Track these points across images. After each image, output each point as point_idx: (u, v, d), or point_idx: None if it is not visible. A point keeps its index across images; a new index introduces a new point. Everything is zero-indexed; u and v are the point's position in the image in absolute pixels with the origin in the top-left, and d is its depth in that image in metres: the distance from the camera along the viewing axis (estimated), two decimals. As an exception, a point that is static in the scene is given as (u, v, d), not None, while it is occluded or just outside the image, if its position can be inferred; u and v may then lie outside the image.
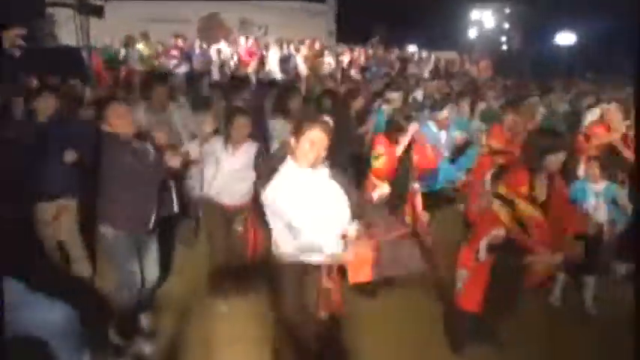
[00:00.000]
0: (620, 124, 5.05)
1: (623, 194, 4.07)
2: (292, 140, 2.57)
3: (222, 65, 10.95)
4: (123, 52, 10.54)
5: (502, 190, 3.03)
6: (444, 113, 5.07)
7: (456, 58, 16.36)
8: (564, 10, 20.54)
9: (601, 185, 4.03)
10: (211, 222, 3.99)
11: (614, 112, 5.19)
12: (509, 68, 16.99)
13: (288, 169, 2.59)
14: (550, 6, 21.68)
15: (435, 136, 5.03)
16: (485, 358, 3.44)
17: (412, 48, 17.90)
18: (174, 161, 3.25)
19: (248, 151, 3.84)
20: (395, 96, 5.65)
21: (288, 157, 2.60)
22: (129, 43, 10.67)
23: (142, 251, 3.36)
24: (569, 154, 3.59)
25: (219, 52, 11.71)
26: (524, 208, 2.89)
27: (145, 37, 11.02)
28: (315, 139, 2.52)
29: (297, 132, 2.56)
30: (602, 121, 5.30)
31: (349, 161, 4.85)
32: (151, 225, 3.28)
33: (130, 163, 3.08)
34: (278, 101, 5.03)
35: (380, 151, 4.06)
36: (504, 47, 23.77)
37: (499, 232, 2.95)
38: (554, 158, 2.88)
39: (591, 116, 5.92)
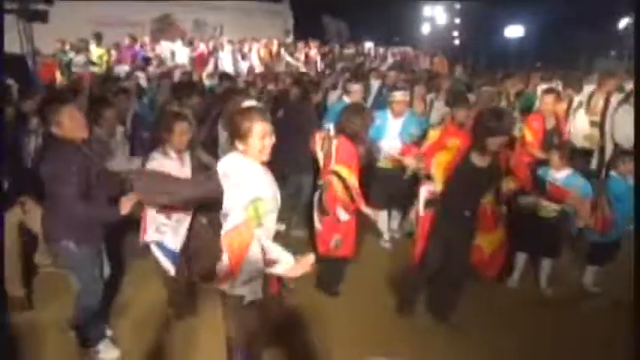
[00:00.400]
0: (552, 112, 5.14)
1: (582, 183, 4.12)
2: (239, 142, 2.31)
3: (176, 68, 10.61)
4: (74, 56, 10.04)
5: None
6: (399, 95, 4.93)
7: (411, 53, 16.67)
8: (512, 4, 21.32)
9: (562, 174, 4.10)
10: None
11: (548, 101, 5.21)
12: (462, 61, 17.47)
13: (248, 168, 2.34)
14: (498, 1, 22.46)
15: (387, 125, 4.91)
16: (443, 342, 3.54)
17: (368, 44, 18.14)
18: (125, 207, 2.93)
19: (187, 158, 3.56)
20: (356, 87, 5.51)
21: (241, 156, 2.33)
22: (81, 46, 10.19)
23: (101, 255, 3.27)
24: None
25: (172, 53, 11.39)
26: None
27: (99, 38, 10.51)
28: (266, 129, 2.29)
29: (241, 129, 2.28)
30: (538, 111, 5.41)
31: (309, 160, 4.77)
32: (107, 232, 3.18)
33: (87, 168, 2.92)
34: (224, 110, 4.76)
35: None
36: (457, 42, 24.45)
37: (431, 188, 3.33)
38: (495, 140, 3.00)
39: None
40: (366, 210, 3.74)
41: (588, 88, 6.09)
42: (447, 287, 3.65)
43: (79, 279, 3.19)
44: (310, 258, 2.26)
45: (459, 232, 3.34)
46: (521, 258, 4.38)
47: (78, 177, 2.86)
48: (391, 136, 4.86)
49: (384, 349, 3.20)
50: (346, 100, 5.43)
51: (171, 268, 3.28)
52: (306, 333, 3.60)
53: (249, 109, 2.34)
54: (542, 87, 6.75)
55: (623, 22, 17.37)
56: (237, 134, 2.28)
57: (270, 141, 2.32)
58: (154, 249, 3.29)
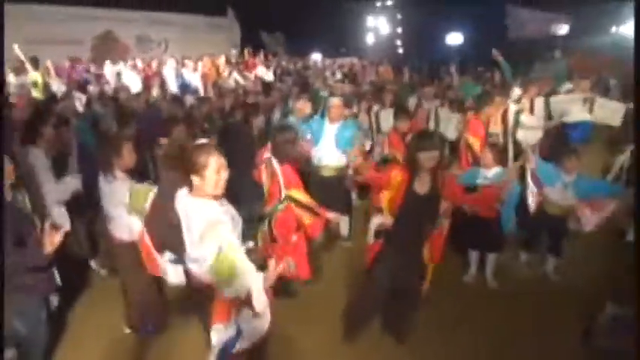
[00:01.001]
0: (495, 117, 5.41)
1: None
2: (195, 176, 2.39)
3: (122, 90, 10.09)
4: (12, 78, 9.32)
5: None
6: (335, 100, 5.04)
7: (356, 64, 17.08)
8: (451, 12, 22.28)
9: (492, 171, 4.35)
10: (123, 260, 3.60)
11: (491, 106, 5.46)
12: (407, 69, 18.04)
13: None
14: (437, 10, 23.39)
15: (323, 130, 5.01)
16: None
17: (315, 56, 18.47)
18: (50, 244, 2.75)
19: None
20: (300, 105, 5.57)
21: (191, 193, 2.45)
22: (19, 67, 9.29)
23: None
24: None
25: (118, 75, 11.00)
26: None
27: (35, 62, 9.71)
28: (221, 162, 2.41)
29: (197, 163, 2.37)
30: (477, 116, 5.61)
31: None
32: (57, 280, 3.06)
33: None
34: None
35: None
36: (400, 50, 25.22)
37: (380, 221, 3.41)
38: (427, 155, 3.15)
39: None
40: (330, 215, 3.83)
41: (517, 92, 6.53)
42: (399, 314, 3.72)
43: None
44: (272, 263, 2.42)
45: (409, 260, 3.42)
46: (473, 254, 4.65)
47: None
48: (327, 141, 4.96)
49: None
50: (292, 119, 5.48)
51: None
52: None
53: (205, 144, 2.48)
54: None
55: (560, 27, 18.42)
56: (193, 168, 2.37)
57: (225, 174, 2.43)
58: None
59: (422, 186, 3.28)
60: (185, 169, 2.41)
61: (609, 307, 3.57)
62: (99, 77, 10.78)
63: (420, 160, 3.16)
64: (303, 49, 18.82)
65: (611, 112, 5.94)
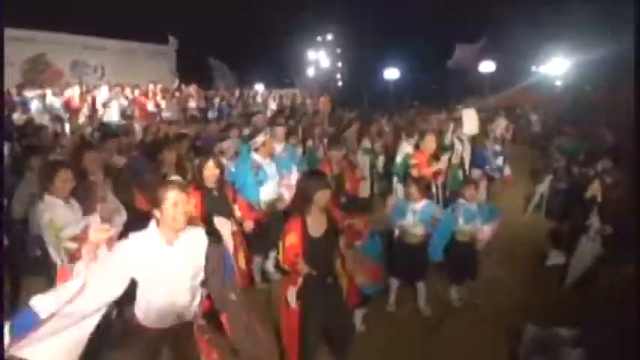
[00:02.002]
0: (434, 149, 5.81)
1: (438, 210, 4.73)
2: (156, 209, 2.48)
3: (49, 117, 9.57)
4: None
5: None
6: (260, 138, 5.07)
7: (298, 95, 17.41)
8: (386, 48, 23.37)
9: (420, 204, 4.53)
10: None
11: (428, 140, 5.85)
12: (346, 102, 18.63)
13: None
14: (375, 45, 24.49)
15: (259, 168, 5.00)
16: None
17: (257, 87, 18.62)
18: None
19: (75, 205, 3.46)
20: (226, 145, 5.51)
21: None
22: None
23: None
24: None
25: (43, 99, 10.42)
26: None
27: None
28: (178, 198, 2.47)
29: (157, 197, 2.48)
30: (419, 149, 5.96)
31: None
32: None
33: None
34: None
35: None
36: (339, 83, 26.00)
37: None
38: (322, 194, 3.20)
39: (407, 144, 6.71)
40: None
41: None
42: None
43: None
44: None
45: (329, 299, 3.36)
46: (394, 282, 4.63)
47: None
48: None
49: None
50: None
51: None
52: None
53: (169, 181, 2.62)
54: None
55: (484, 66, 19.72)
56: (153, 202, 2.47)
57: (182, 209, 2.46)
58: None
59: (316, 230, 3.28)
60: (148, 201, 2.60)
61: (529, 329, 3.76)
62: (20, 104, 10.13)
63: (317, 199, 3.19)
64: (246, 80, 18.93)
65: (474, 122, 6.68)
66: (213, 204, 4.03)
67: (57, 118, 8.98)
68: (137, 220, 3.28)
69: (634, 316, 2.82)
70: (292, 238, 3.24)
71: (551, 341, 3.48)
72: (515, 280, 5.31)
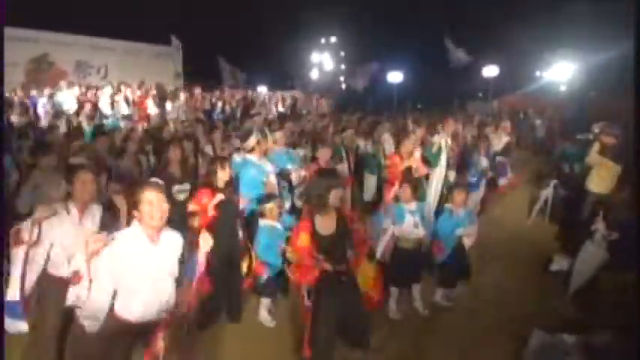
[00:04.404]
0: (411, 151, 5.76)
1: (427, 208, 4.75)
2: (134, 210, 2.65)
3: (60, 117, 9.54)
4: None
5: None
6: (252, 140, 5.06)
7: (300, 97, 17.39)
8: (390, 52, 23.37)
9: (413, 204, 4.57)
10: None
11: (406, 142, 5.87)
12: (349, 104, 18.63)
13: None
14: (379, 49, 24.50)
15: (257, 168, 5.00)
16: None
17: (260, 89, 18.63)
18: None
19: (95, 214, 3.35)
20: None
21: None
22: None
23: None
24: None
25: (52, 100, 10.39)
26: None
27: None
28: (153, 198, 2.62)
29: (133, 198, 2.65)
30: (397, 151, 5.97)
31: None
32: None
33: None
34: None
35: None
36: (343, 86, 25.99)
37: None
38: (335, 193, 3.30)
39: (388, 146, 6.68)
40: None
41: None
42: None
43: None
44: None
45: (345, 296, 3.41)
46: (394, 291, 4.59)
47: None
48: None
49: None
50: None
51: None
52: None
53: (145, 181, 2.73)
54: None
55: (487, 70, 19.68)
56: (132, 204, 2.65)
57: (159, 207, 2.62)
58: None
59: (325, 229, 3.35)
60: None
61: (536, 334, 3.73)
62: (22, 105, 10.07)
63: (330, 197, 3.27)
64: (250, 82, 18.92)
65: None
66: (222, 206, 4.02)
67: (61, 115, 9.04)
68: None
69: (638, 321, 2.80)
70: (303, 239, 3.31)
71: (557, 347, 3.44)
72: (519, 285, 5.27)
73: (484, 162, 7.00)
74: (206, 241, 2.80)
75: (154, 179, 2.79)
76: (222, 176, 4.09)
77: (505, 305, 4.77)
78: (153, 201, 2.61)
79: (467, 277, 4.82)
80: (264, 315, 4.35)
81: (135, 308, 2.63)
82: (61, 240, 3.12)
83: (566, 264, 5.29)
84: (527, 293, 5.08)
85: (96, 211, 3.35)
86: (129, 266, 2.57)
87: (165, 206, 2.67)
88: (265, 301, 4.37)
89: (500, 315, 4.54)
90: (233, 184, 4.33)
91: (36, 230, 2.98)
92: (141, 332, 2.68)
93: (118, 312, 2.63)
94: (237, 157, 5.23)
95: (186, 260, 2.79)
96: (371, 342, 3.65)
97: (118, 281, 2.57)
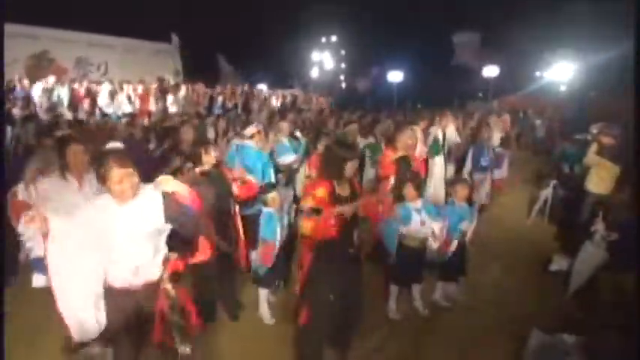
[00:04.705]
0: (406, 146, 5.56)
1: (432, 206, 4.64)
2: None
3: (53, 108, 9.65)
4: None
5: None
6: (252, 128, 5.13)
7: (300, 95, 17.39)
8: (391, 51, 23.37)
9: (418, 202, 4.50)
10: None
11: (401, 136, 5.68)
12: (348, 103, 18.64)
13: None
14: (379, 49, 24.50)
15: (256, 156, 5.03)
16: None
17: (261, 86, 18.62)
18: None
19: (92, 182, 3.61)
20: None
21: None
22: None
23: None
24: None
25: (49, 92, 10.43)
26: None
27: None
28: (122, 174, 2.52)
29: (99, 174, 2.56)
30: (391, 145, 5.77)
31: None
32: None
33: None
34: None
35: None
36: (343, 85, 26.00)
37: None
38: (351, 164, 3.35)
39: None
40: None
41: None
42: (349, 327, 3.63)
43: None
44: None
45: (349, 271, 3.42)
46: (394, 289, 4.57)
47: None
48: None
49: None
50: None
51: None
52: None
53: (108, 154, 2.59)
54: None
55: (487, 70, 19.69)
56: (100, 179, 2.54)
57: (128, 183, 2.51)
58: None
59: (343, 189, 3.40)
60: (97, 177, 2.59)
61: (535, 334, 3.72)
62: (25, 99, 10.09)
63: (346, 169, 3.32)
64: (250, 80, 18.90)
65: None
66: (212, 184, 3.89)
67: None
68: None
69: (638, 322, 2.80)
70: (321, 192, 3.31)
71: (557, 347, 3.44)
72: (518, 285, 5.27)
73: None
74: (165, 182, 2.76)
75: (115, 146, 2.78)
76: (208, 160, 4.07)
77: (505, 305, 4.76)
78: (122, 178, 2.50)
79: (465, 274, 4.83)
80: (264, 309, 4.36)
81: (114, 272, 2.61)
82: (66, 207, 3.23)
83: (565, 264, 5.29)
84: (526, 293, 5.07)
85: (93, 180, 3.58)
86: (100, 229, 2.52)
87: (135, 180, 2.55)
88: (264, 293, 4.38)
89: (499, 315, 4.54)
90: (222, 168, 4.29)
91: (33, 192, 3.45)
92: (128, 299, 2.64)
93: (107, 280, 2.63)
94: (235, 143, 5.27)
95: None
96: (352, 342, 3.65)
97: (96, 248, 2.53)
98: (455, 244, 4.62)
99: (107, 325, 2.61)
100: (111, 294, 2.63)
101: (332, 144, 3.66)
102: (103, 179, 2.52)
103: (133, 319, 2.67)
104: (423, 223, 4.43)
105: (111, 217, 2.54)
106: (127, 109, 11.02)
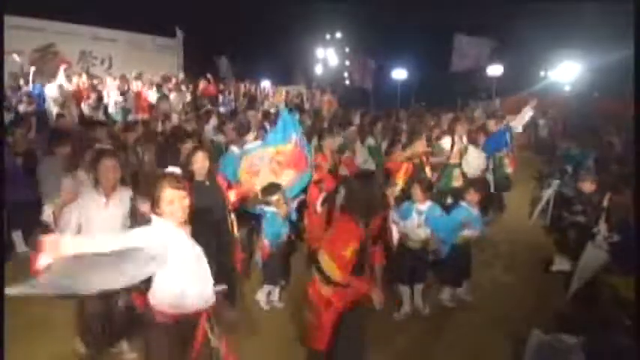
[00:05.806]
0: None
1: (441, 212, 4.64)
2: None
3: (63, 105, 9.56)
4: None
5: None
6: (252, 135, 5.25)
7: (303, 92, 17.34)
8: (395, 49, 23.33)
9: (425, 205, 4.51)
10: None
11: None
12: (352, 101, 18.60)
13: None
14: (385, 47, 24.45)
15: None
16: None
17: (264, 83, 18.58)
18: None
19: (123, 199, 3.42)
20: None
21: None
22: None
23: None
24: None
25: (60, 88, 10.39)
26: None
27: None
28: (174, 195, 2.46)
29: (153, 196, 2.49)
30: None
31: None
32: None
33: None
34: None
35: None
36: (347, 82, 25.88)
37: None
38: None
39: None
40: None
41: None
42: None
43: None
44: None
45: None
46: (405, 291, 4.57)
47: None
48: None
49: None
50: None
51: None
52: None
53: (163, 176, 2.53)
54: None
55: (491, 69, 19.61)
56: (152, 200, 2.47)
57: (179, 204, 2.44)
58: None
59: None
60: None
61: (535, 334, 3.74)
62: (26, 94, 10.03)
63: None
64: (253, 77, 18.87)
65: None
66: (204, 195, 3.72)
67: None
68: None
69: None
70: (350, 250, 2.95)
71: (557, 347, 3.46)
72: (520, 285, 5.30)
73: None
74: None
75: (173, 171, 2.71)
76: (199, 166, 3.87)
77: (505, 305, 4.80)
78: (174, 199, 2.44)
79: (469, 277, 4.85)
80: (261, 295, 4.45)
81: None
82: (87, 225, 3.24)
83: (567, 264, 5.31)
84: (527, 293, 5.10)
85: (125, 196, 3.43)
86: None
87: (186, 202, 2.48)
88: (267, 288, 4.44)
89: (500, 315, 4.57)
90: (213, 172, 4.15)
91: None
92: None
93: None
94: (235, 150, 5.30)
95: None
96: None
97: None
98: (445, 250, 4.63)
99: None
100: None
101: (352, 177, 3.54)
102: (154, 200, 2.46)
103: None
104: (419, 225, 4.48)
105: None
106: (126, 104, 10.98)
